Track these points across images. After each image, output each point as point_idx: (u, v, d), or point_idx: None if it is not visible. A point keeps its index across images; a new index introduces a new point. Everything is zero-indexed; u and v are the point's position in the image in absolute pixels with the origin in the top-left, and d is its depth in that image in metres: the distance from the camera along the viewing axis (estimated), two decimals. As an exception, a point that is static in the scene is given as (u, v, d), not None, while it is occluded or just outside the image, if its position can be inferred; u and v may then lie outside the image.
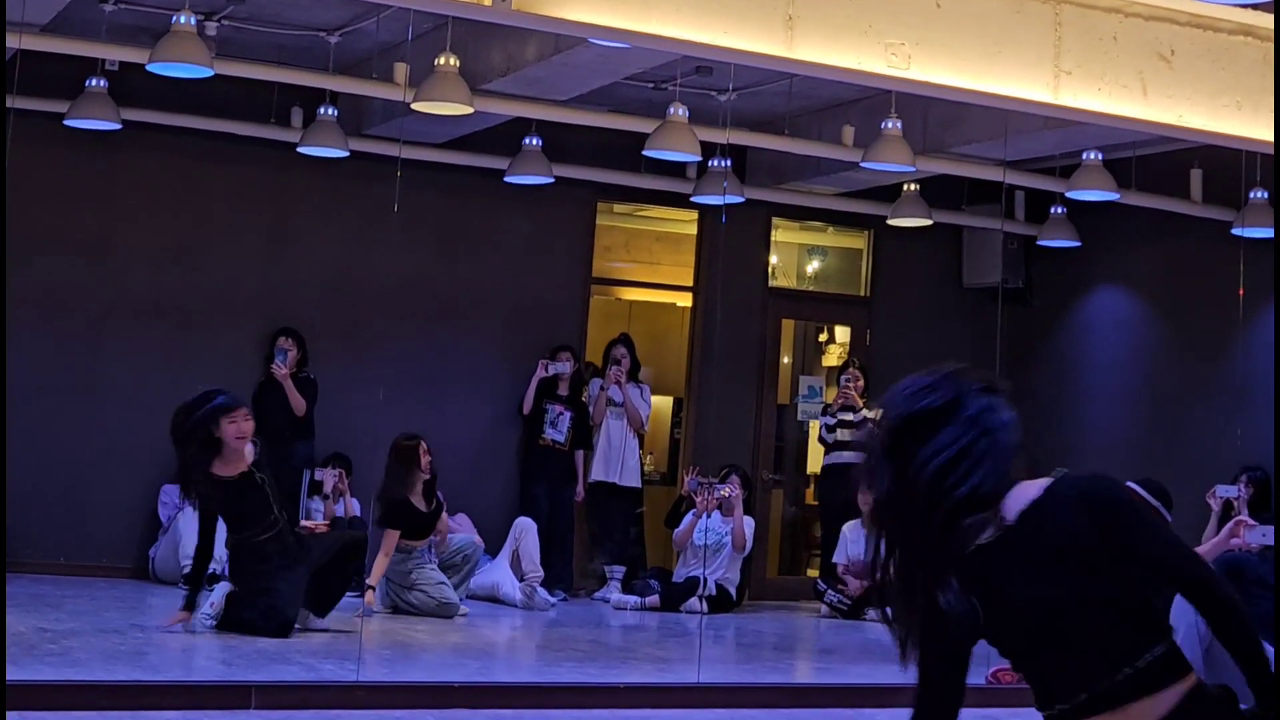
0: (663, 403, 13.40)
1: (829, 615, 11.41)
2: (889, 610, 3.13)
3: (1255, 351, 11.02)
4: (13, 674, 6.22)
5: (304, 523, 9.80)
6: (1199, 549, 7.37)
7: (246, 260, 11.40)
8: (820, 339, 14.08)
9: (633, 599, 11.09)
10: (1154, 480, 8.19)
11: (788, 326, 13.50)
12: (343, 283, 11.27)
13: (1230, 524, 7.40)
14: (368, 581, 9.30)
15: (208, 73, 8.83)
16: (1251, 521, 7.37)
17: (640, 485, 12.04)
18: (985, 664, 8.19)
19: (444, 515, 9.87)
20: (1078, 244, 12.17)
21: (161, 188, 11.25)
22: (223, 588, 8.26)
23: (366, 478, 10.74)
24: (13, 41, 8.25)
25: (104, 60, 9.98)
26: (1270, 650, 7.01)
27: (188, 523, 10.47)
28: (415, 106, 9.15)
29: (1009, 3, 7.04)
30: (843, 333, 13.72)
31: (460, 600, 9.78)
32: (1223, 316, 10.99)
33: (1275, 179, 9.93)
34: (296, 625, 8.27)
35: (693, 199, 11.92)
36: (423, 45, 9.36)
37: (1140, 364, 12.50)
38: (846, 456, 11.91)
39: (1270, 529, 7.18)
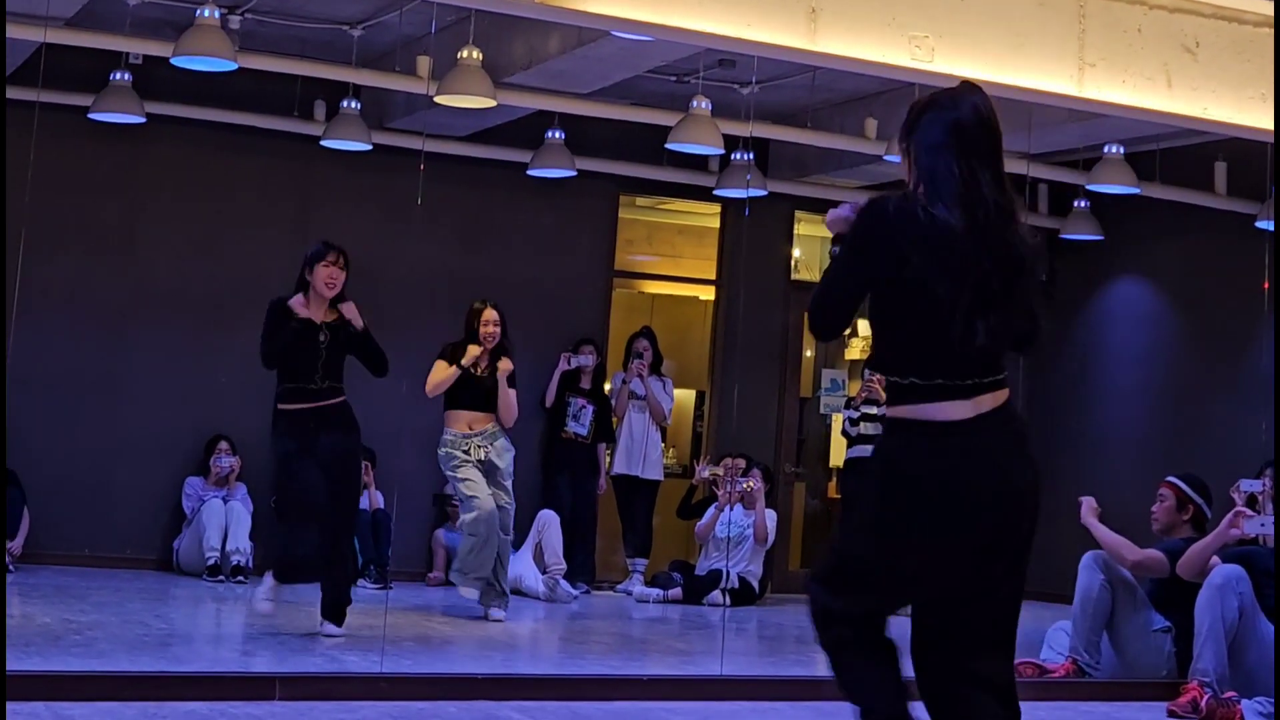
0: (685, 396, 13.39)
1: (851, 609, 11.38)
2: None
3: (1280, 345, 10.95)
4: (37, 665, 6.26)
5: None
6: (1201, 542, 7.38)
7: (270, 253, 11.40)
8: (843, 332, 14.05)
9: (655, 591, 11.10)
10: (1194, 476, 8.19)
11: (810, 320, 13.44)
12: (365, 275, 11.22)
13: (1229, 515, 7.42)
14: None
15: (231, 66, 8.85)
16: (1250, 512, 7.38)
17: (661, 478, 12.03)
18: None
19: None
20: (1100, 238, 12.12)
21: (185, 181, 11.28)
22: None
23: (390, 470, 10.76)
24: (37, 35, 8.29)
25: (128, 54, 10.01)
26: (1272, 640, 6.98)
27: (211, 515, 10.53)
28: (438, 100, 9.16)
29: (1033, -5, 7.02)
30: (865, 326, 13.64)
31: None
32: (1247, 310, 10.93)
33: (1275, 173, 9.88)
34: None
35: (715, 192, 11.91)
36: (445, 38, 9.37)
37: (1163, 358, 12.45)
38: (870, 450, 11.89)
39: (1268, 519, 7.19)
